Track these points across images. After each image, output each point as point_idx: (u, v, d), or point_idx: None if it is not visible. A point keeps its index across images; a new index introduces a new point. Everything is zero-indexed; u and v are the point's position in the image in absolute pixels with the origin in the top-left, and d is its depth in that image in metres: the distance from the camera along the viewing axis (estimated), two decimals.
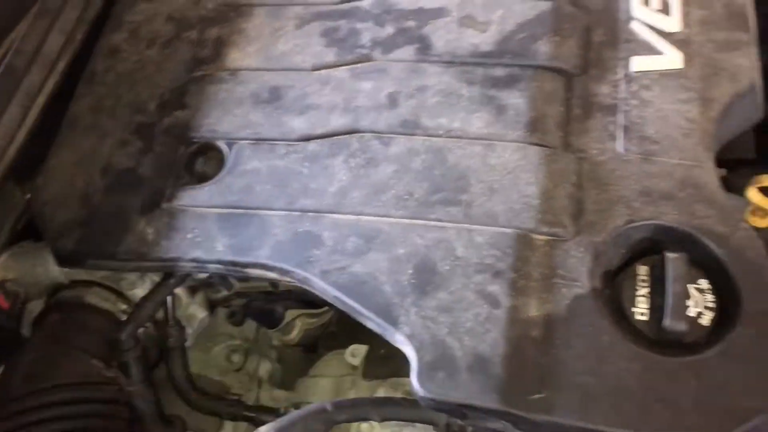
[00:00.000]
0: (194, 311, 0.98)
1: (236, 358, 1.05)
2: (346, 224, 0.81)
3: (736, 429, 0.66)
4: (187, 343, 0.97)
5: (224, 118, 0.92)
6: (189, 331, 0.97)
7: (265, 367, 1.07)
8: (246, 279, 0.94)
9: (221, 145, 0.91)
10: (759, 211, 0.88)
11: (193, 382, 0.96)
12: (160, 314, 0.94)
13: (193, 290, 0.99)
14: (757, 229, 0.93)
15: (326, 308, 1.07)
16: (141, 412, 0.90)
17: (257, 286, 0.96)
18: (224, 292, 0.97)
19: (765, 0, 1.06)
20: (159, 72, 1.00)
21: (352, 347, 0.99)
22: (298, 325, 1.07)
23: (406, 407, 0.79)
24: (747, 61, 0.88)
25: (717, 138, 0.85)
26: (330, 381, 1.00)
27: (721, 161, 0.85)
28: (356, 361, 0.98)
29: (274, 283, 0.93)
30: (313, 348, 1.13)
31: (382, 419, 0.79)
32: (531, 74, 0.87)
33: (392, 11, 0.96)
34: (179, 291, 0.95)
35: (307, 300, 1.02)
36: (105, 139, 0.96)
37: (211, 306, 1.01)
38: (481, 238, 0.77)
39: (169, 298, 0.92)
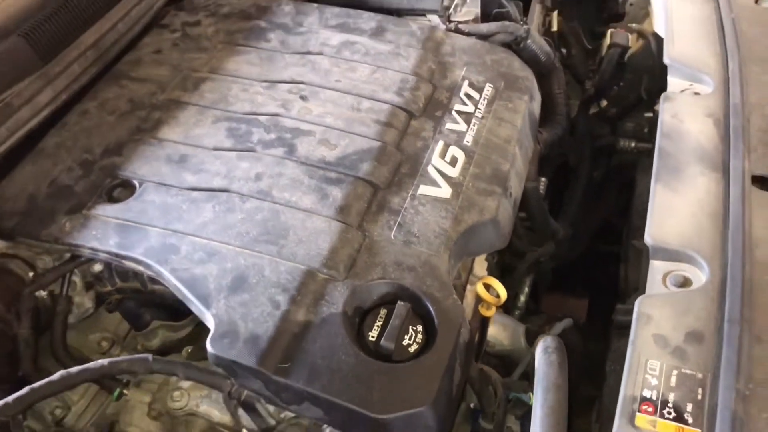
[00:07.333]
0: (83, 301, 1.33)
1: (104, 344, 1.37)
2: (199, 244, 1.20)
3: (400, 412, 1.02)
4: (71, 320, 1.31)
5: (144, 166, 1.34)
6: (76, 311, 1.31)
7: (124, 355, 1.38)
8: (125, 277, 1.30)
9: (135, 182, 1.31)
10: (484, 302, 1.29)
11: (66, 345, 1.29)
12: (58, 291, 1.29)
13: (88, 286, 1.34)
14: (485, 318, 1.33)
15: (185, 322, 1.41)
16: (21, 353, 1.22)
17: (131, 286, 1.32)
18: (109, 287, 1.33)
19: None
20: (111, 131, 1.43)
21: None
22: (159, 334, 1.40)
23: (204, 373, 1.13)
24: (494, 204, 1.32)
25: (461, 245, 1.27)
26: None
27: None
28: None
29: (143, 283, 1.29)
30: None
31: (186, 378, 1.13)
32: (352, 181, 1.31)
33: (278, 126, 1.41)
34: (77, 279, 1.31)
35: (173, 310, 1.37)
36: (58, 165, 1.36)
37: (99, 301, 1.36)
38: (284, 267, 1.16)
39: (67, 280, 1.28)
